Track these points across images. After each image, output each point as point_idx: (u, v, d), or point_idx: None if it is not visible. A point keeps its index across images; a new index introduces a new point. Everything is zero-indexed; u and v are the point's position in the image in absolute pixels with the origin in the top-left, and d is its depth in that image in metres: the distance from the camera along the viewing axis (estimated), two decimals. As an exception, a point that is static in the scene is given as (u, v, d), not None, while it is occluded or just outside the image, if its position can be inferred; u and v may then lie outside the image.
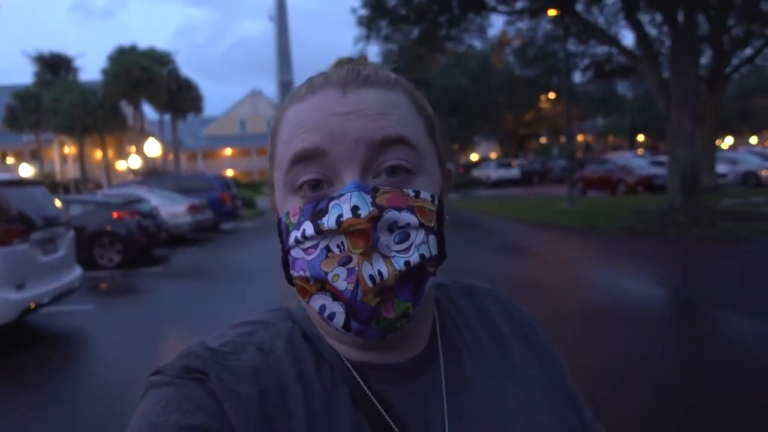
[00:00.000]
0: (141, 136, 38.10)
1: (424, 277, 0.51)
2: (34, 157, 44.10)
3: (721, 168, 19.84)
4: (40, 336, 5.40)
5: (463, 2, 14.15)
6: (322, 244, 0.49)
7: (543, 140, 57.13)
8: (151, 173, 31.38)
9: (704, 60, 16.66)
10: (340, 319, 0.50)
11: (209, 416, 0.48)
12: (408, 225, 0.50)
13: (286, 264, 0.54)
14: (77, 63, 43.81)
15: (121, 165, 41.21)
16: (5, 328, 4.96)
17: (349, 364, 0.55)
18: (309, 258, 0.50)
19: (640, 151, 40.70)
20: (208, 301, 6.65)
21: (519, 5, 13.69)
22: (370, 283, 0.47)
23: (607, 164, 21.60)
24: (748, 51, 16.12)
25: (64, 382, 4.19)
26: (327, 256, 0.49)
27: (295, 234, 0.51)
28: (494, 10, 13.94)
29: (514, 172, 33.08)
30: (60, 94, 35.38)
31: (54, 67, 41.89)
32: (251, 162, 54.73)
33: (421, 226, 0.50)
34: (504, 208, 17.25)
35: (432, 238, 0.51)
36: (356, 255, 0.48)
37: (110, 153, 40.53)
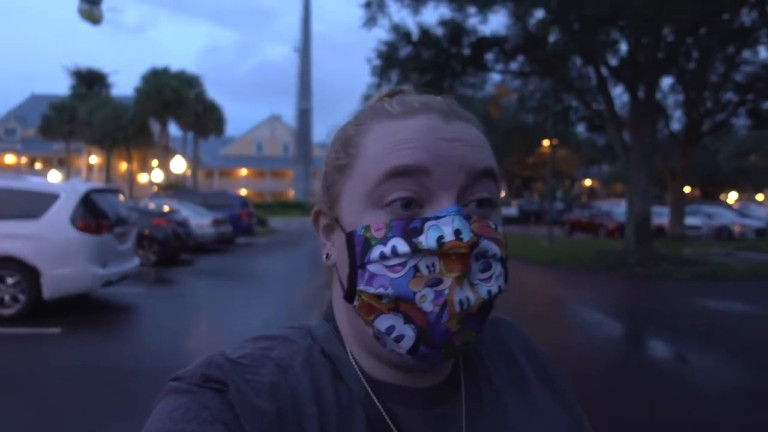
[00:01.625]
0: (165, 152, 40.49)
1: (490, 309, 0.52)
2: (62, 164, 46.67)
3: (696, 221, 21.54)
4: (108, 306, 7.23)
5: (464, 60, 16.24)
6: (411, 263, 0.48)
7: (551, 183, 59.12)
8: (172, 188, 33.53)
9: (677, 125, 18.60)
10: (408, 342, 0.49)
11: (226, 428, 0.47)
12: (493, 256, 0.51)
13: (353, 279, 0.52)
14: (111, 79, 46.57)
15: (143, 178, 43.61)
16: (85, 295, 6.84)
17: (367, 385, 0.55)
18: (394, 276, 0.49)
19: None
20: (230, 291, 8.50)
21: (512, 66, 15.72)
22: (458, 308, 0.47)
23: (591, 209, 23.41)
24: (721, 116, 17.99)
25: (129, 337, 6.05)
26: (415, 276, 0.48)
27: (381, 249, 0.49)
28: (491, 69, 15.97)
29: (512, 212, 34.95)
30: (95, 108, 37.95)
31: (89, 81, 44.74)
32: (265, 183, 57.02)
33: (500, 258, 0.51)
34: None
35: (504, 272, 0.52)
36: (449, 278, 0.47)
37: (134, 166, 42.95)
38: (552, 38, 13.89)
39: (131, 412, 3.59)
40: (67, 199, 6.40)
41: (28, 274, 6.17)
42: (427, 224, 0.49)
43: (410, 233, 0.49)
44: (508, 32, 15.03)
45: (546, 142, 35.47)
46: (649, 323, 7.16)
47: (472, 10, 14.05)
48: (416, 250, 0.48)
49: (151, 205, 13.80)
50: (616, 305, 8.55)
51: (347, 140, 0.56)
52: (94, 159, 46.20)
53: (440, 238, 0.48)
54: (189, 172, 41.29)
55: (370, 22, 14.78)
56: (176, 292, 8.88)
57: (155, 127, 40.63)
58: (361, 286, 0.51)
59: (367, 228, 0.51)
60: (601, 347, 6.02)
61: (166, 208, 13.51)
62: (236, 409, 0.49)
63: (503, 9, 13.54)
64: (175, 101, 38.08)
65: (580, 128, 25.32)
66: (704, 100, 16.89)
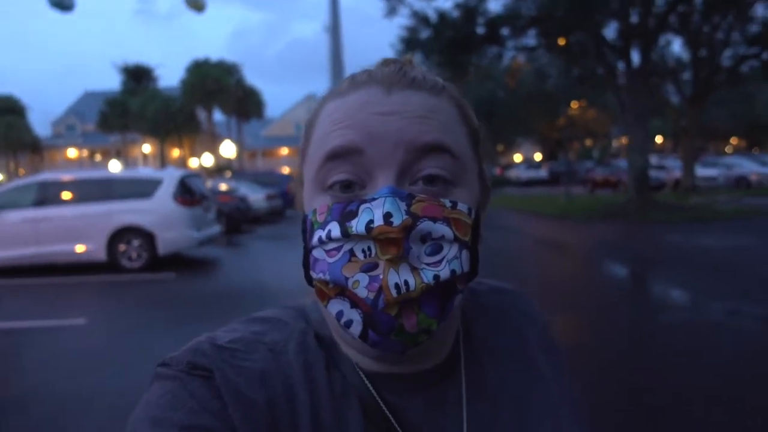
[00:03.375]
0: (212, 137, 43.41)
1: (452, 294, 0.48)
2: (119, 155, 50.43)
3: (713, 172, 22.62)
4: (203, 260, 9.60)
5: (480, 38, 17.82)
6: (346, 248, 0.47)
7: (588, 142, 59.44)
8: (221, 170, 36.40)
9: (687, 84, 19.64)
10: (357, 328, 0.47)
11: (213, 417, 0.47)
12: (442, 237, 0.47)
13: (307, 263, 0.52)
14: (156, 72, 49.57)
15: (193, 162, 46.80)
16: (183, 254, 9.24)
17: (361, 373, 0.53)
18: (331, 260, 0.48)
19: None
20: (284, 250, 10.80)
21: (524, 41, 17.25)
22: (394, 293, 0.45)
23: (611, 167, 24.70)
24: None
25: (222, 277, 8.38)
26: (350, 260, 0.47)
27: (320, 233, 0.49)
28: (504, 45, 17.56)
29: (542, 173, 36.30)
30: (146, 101, 41.05)
31: (137, 76, 47.88)
32: (305, 161, 59.60)
33: (456, 239, 0.48)
34: (517, 202, 20.78)
35: (465, 254, 0.49)
36: (383, 261, 0.45)
37: (185, 152, 46.17)
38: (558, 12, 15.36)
39: (236, 312, 5.86)
40: (169, 183, 8.72)
41: (147, 237, 8.56)
42: (362, 207, 0.47)
43: (346, 216, 0.47)
44: (520, 8, 16.53)
45: (574, 104, 36.54)
46: (618, 254, 9.02)
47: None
48: (347, 235, 0.47)
49: (219, 185, 16.26)
50: (600, 245, 10.39)
51: (308, 124, 0.55)
52: (148, 148, 49.65)
53: (370, 222, 0.45)
54: (235, 154, 44.22)
55: (391, 12, 16.55)
56: (245, 251, 11.24)
57: (201, 114, 43.53)
58: (311, 271, 0.51)
59: (314, 212, 0.50)
60: (577, 273, 7.97)
61: (224, 187, 15.93)
62: (224, 397, 0.48)
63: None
64: (218, 89, 40.76)
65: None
66: (709, 58, 17.96)
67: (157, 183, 8.74)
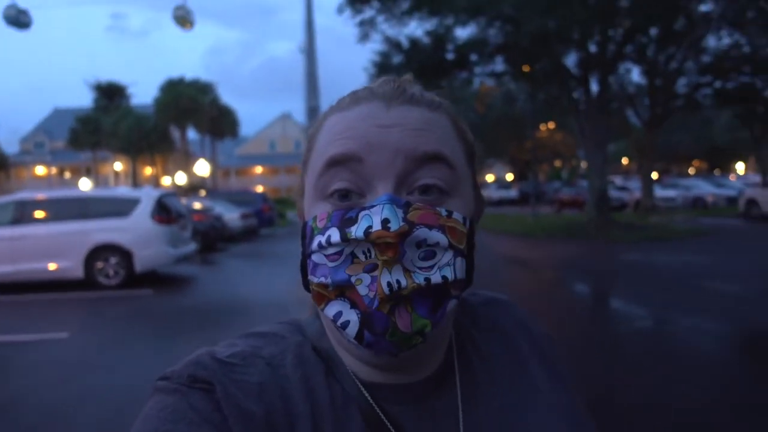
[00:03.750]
0: (185, 156, 43.31)
1: (445, 297, 0.50)
2: (89, 172, 49.80)
3: (672, 193, 23.73)
4: (178, 277, 9.82)
5: (450, 63, 18.58)
6: (347, 251, 0.49)
7: (557, 163, 61.18)
8: (194, 189, 36.35)
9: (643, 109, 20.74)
10: (353, 328, 0.49)
11: (215, 429, 0.47)
12: (437, 244, 0.49)
13: (305, 269, 0.53)
14: (130, 90, 49.39)
15: (166, 181, 46.53)
16: (159, 271, 9.46)
17: (360, 384, 0.54)
18: (332, 264, 0.49)
19: (654, 174, 45.10)
20: (260, 267, 11.10)
21: (492, 67, 18.05)
22: (386, 290, 0.47)
23: (577, 188, 25.65)
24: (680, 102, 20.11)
25: (197, 293, 8.65)
26: (353, 262, 0.48)
27: (320, 239, 0.50)
28: (473, 70, 18.32)
29: (512, 193, 37.30)
30: (118, 119, 40.86)
31: (110, 94, 47.63)
32: (280, 179, 59.73)
33: (450, 246, 0.49)
34: (488, 221, 21.40)
35: (460, 261, 0.50)
36: (380, 262, 0.47)
37: (158, 170, 45.90)
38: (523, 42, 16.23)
39: (213, 327, 6.16)
40: (147, 202, 8.99)
41: (125, 255, 8.78)
42: (361, 214, 0.49)
43: (346, 223, 0.49)
44: (487, 37, 17.33)
45: (542, 127, 37.85)
46: (578, 270, 9.60)
47: (450, 21, 16.38)
48: (346, 239, 0.48)
49: (193, 204, 16.44)
50: (560, 261, 10.98)
51: (310, 137, 0.58)
52: (119, 166, 49.21)
53: (368, 227, 0.47)
54: (209, 173, 44.18)
55: (364, 38, 17.16)
56: (221, 268, 11.50)
57: (175, 133, 43.46)
58: (309, 276, 0.52)
59: (315, 219, 0.52)
60: (534, 285, 8.49)
61: (198, 206, 16.15)
62: (224, 410, 0.49)
63: (476, 21, 15.86)
64: (192, 108, 40.87)
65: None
66: (665, 86, 19.04)
67: (135, 202, 9.00)
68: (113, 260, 8.78)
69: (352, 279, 0.48)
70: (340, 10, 15.28)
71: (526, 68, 16.58)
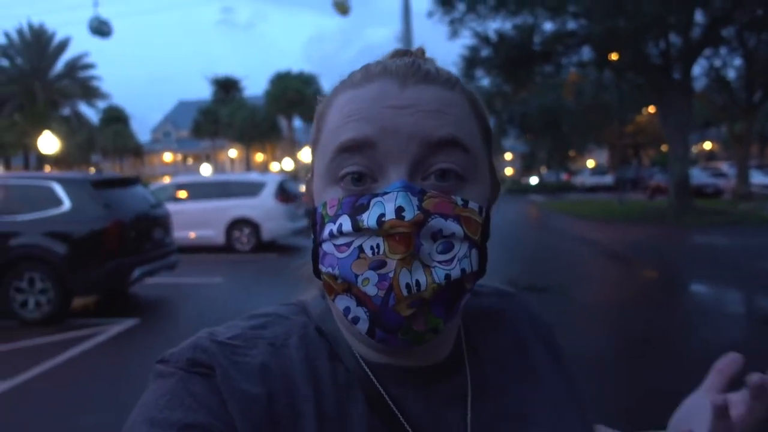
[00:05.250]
0: (291, 143, 47.04)
1: (461, 294, 0.49)
2: (208, 158, 55.28)
3: (769, 179, 22.94)
4: (292, 246, 12.05)
5: (539, 55, 19.49)
6: (356, 243, 0.47)
7: (664, 148, 58.54)
8: (300, 174, 39.66)
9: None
10: (363, 325, 0.48)
11: (212, 415, 0.47)
12: (453, 235, 0.47)
13: (316, 256, 0.52)
14: (243, 83, 53.96)
15: (274, 166, 50.71)
16: (278, 242, 11.77)
17: (365, 365, 0.54)
18: (340, 256, 0.48)
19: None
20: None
21: (574, 59, 18.76)
22: (405, 292, 0.45)
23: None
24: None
25: (305, 260, 10.83)
26: (358, 257, 0.47)
27: (331, 227, 0.49)
28: (559, 62, 19.11)
29: (607, 179, 36.89)
30: (234, 111, 45.20)
31: (226, 87, 52.34)
32: (376, 165, 62.59)
33: (466, 238, 0.48)
34: (572, 206, 22.14)
35: (475, 253, 0.49)
36: (394, 260, 0.45)
37: (268, 157, 50.21)
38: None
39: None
40: (271, 185, 11.27)
41: (254, 227, 11.12)
42: (373, 201, 0.47)
43: (357, 210, 0.48)
44: (574, 28, 18.08)
45: (645, 112, 36.87)
46: (644, 252, 10.65)
47: (530, 19, 17.34)
48: (358, 229, 0.47)
49: (300, 187, 19.00)
50: (624, 242, 11.97)
51: (319, 114, 0.55)
52: (234, 153, 54.18)
53: (381, 216, 0.45)
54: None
55: (454, 35, 18.56)
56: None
57: (282, 122, 47.24)
58: (320, 265, 0.51)
59: (324, 205, 0.51)
60: (595, 263, 9.75)
61: (303, 188, 18.57)
62: (223, 394, 0.48)
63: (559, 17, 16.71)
64: (298, 99, 44.21)
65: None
66: (761, 70, 18.67)
67: (262, 185, 11.32)
68: (246, 231, 11.16)
69: (359, 279, 0.47)
70: (430, 15, 16.77)
71: (614, 56, 17.19)
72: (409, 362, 0.55)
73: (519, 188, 39.13)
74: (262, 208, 11.12)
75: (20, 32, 39.89)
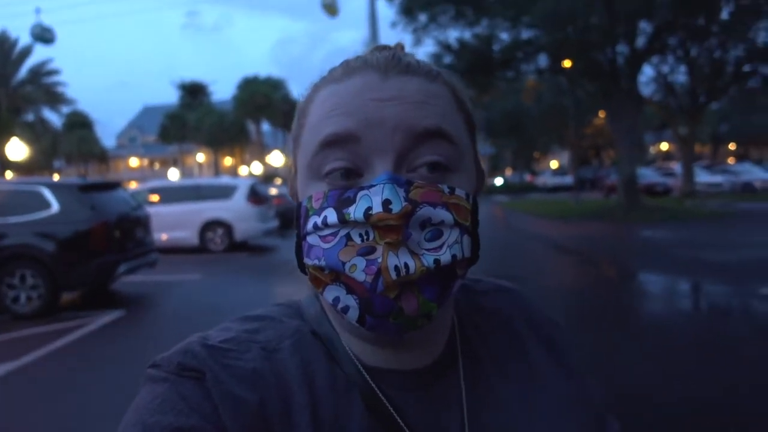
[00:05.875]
0: (260, 147, 47.31)
1: (452, 279, 0.49)
2: (175, 163, 54.96)
3: (719, 178, 24.44)
4: (265, 248, 12.58)
5: (498, 63, 20.47)
6: (342, 233, 0.47)
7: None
8: (268, 177, 39.99)
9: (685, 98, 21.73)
10: (353, 313, 0.48)
11: (203, 419, 0.47)
12: (442, 222, 0.47)
13: (300, 251, 0.52)
14: (210, 88, 53.86)
15: (243, 170, 50.82)
16: (251, 242, 12.31)
17: (362, 368, 0.53)
18: (326, 246, 0.48)
19: (731, 159, 44.58)
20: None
21: (532, 66, 19.79)
22: (393, 275, 0.45)
23: (624, 174, 26.73)
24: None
25: (275, 258, 11.41)
26: (346, 245, 0.47)
27: (315, 220, 0.49)
28: (518, 69, 20.10)
29: (567, 180, 38.38)
30: (202, 116, 45.20)
31: (193, 92, 52.16)
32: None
33: (456, 224, 0.48)
34: (532, 205, 23.20)
35: (466, 239, 0.49)
36: (381, 245, 0.45)
37: (236, 161, 50.29)
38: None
39: (290, 277, 8.83)
40: (243, 188, 11.81)
41: (227, 228, 11.64)
42: (360, 194, 0.47)
43: (343, 203, 0.47)
44: (530, 37, 19.09)
45: (601, 114, 38.58)
46: (592, 245, 11.57)
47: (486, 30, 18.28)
48: (344, 221, 0.47)
49: (269, 190, 19.50)
50: (572, 236, 12.92)
51: (301, 110, 0.55)
52: (202, 157, 54.01)
53: (368, 209, 0.45)
54: (283, 163, 48.08)
55: (417, 43, 19.36)
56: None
57: (251, 126, 47.45)
58: (305, 258, 0.51)
59: (309, 198, 0.50)
60: (541, 252, 10.61)
61: (274, 191, 19.12)
62: (215, 399, 0.48)
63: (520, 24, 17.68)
64: (266, 104, 44.53)
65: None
66: (702, 76, 20.05)
67: (234, 188, 11.86)
68: (219, 232, 11.66)
69: (346, 266, 0.46)
70: (393, 25, 17.51)
71: (566, 64, 18.23)
72: (404, 364, 0.54)
73: (485, 189, 40.22)
74: (235, 210, 11.64)
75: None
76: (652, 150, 61.54)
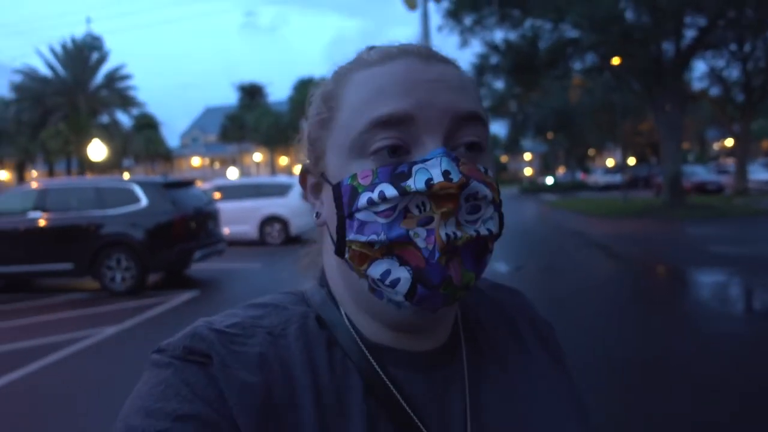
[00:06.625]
0: (314, 147, 49.09)
1: (485, 251, 0.52)
2: (234, 162, 57.54)
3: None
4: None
5: (543, 62, 20.82)
6: (401, 206, 0.48)
7: (685, 146, 58.78)
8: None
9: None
10: (404, 285, 0.49)
11: (207, 405, 0.47)
12: (484, 198, 0.50)
13: (343, 230, 0.52)
14: (267, 90, 56.06)
15: (297, 169, 52.63)
16: (304, 236, 13.42)
17: (364, 348, 0.55)
18: (385, 221, 0.49)
19: None
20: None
21: (578, 65, 20.03)
22: (444, 239, 0.47)
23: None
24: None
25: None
26: (406, 217, 0.48)
27: (369, 195, 0.49)
28: (564, 67, 20.40)
29: (618, 178, 37.82)
30: (259, 117, 47.28)
31: (251, 93, 54.43)
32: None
33: (492, 201, 0.51)
34: (579, 204, 23.37)
35: (497, 216, 0.53)
36: (438, 215, 0.47)
37: (291, 160, 52.26)
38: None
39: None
40: (298, 186, 12.86)
41: (284, 223, 12.77)
42: (415, 167, 0.48)
43: (398, 178, 0.48)
44: (577, 37, 19.38)
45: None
46: (617, 238, 12.01)
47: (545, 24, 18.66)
48: (404, 194, 0.48)
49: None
50: (612, 234, 13.31)
51: (327, 95, 0.56)
52: (259, 156, 56.36)
53: (429, 180, 0.47)
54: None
55: (464, 44, 20.00)
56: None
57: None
58: (351, 236, 0.51)
59: (354, 177, 0.51)
60: (573, 247, 11.16)
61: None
62: (220, 384, 0.48)
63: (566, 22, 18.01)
64: (320, 105, 46.11)
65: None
66: (757, 69, 19.72)
67: (290, 186, 12.99)
68: (276, 226, 12.82)
69: (410, 233, 0.48)
70: (440, 29, 18.22)
71: (615, 61, 18.41)
72: (412, 346, 0.56)
73: (534, 188, 40.20)
74: (291, 206, 12.76)
75: (64, 46, 42.47)
76: (715, 146, 59.24)
